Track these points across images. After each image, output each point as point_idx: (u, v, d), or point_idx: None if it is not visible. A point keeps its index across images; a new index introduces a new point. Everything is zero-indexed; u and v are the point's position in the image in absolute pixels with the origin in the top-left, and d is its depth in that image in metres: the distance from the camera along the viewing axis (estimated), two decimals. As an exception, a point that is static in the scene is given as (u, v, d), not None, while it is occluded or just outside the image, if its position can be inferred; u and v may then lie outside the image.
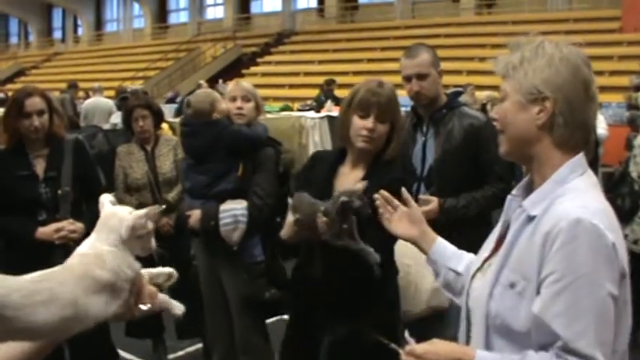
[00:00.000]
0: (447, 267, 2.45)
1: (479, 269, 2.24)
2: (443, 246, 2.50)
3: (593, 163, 8.56)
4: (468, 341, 2.25)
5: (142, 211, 1.86)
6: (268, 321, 4.88)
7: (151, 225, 1.87)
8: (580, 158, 2.09)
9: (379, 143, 3.33)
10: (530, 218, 2.04)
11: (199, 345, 6.10)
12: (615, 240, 1.92)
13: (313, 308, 3.35)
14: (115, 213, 1.88)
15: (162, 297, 1.98)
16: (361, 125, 3.28)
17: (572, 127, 2.06)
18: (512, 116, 2.12)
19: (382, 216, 2.58)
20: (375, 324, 3.03)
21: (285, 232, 3.31)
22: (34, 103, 4.29)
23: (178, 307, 1.99)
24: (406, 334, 2.21)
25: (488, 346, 2.05)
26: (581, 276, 1.88)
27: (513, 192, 2.25)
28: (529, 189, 2.18)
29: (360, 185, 3.09)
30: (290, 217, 3.25)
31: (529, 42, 2.14)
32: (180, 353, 6.24)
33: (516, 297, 1.98)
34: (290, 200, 3.65)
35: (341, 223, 2.98)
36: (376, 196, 2.60)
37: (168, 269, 2.07)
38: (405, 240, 2.56)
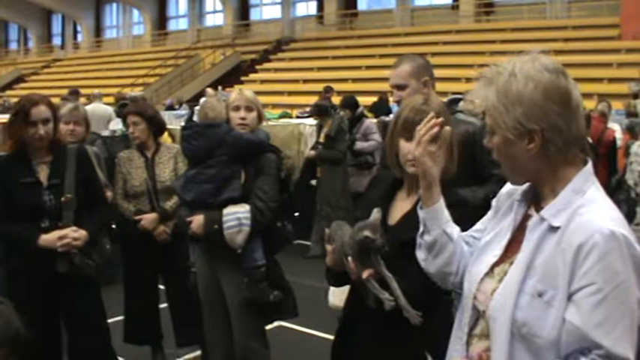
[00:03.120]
0: (442, 228, 2.42)
1: (487, 274, 2.24)
2: (443, 205, 2.46)
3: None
4: (469, 339, 2.28)
5: None
6: (267, 327, 4.89)
7: None
8: (590, 167, 2.15)
9: None
10: (553, 228, 2.07)
11: (198, 352, 6.10)
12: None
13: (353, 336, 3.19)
14: None
15: None
16: (408, 149, 2.99)
17: (566, 146, 2.10)
18: (505, 151, 2.15)
19: (418, 137, 2.45)
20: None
21: (327, 260, 3.12)
22: (40, 111, 4.31)
23: None
24: (428, 356, 2.21)
25: (510, 353, 2.07)
26: (618, 285, 1.95)
27: (517, 197, 2.27)
28: (533, 195, 2.23)
29: (378, 215, 2.90)
30: (328, 246, 3.09)
31: (500, 71, 2.13)
32: (179, 360, 6.24)
33: (544, 305, 2.02)
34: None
35: (362, 262, 2.87)
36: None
37: None
38: (424, 178, 2.44)
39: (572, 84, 2.12)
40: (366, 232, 2.81)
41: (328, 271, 3.17)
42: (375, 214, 2.91)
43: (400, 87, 4.17)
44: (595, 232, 1.97)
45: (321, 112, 10.66)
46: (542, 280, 2.04)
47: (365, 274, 2.85)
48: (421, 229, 2.47)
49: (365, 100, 18.68)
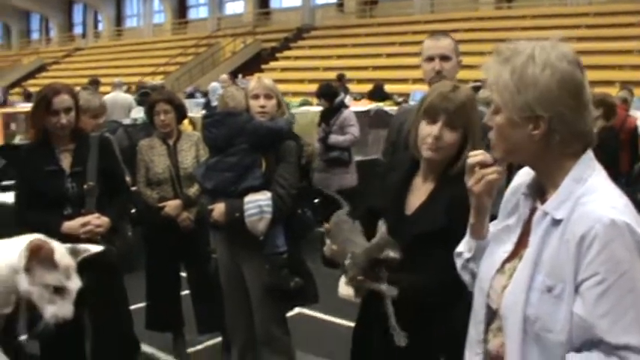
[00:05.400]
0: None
1: (498, 270, 2.22)
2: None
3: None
4: (485, 336, 2.26)
5: None
6: (288, 314, 4.91)
7: None
8: (590, 154, 2.11)
9: (448, 153, 3.01)
10: (556, 221, 2.04)
11: (219, 339, 6.15)
12: None
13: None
14: None
15: None
16: (427, 132, 2.99)
17: (570, 139, 2.06)
18: (506, 132, 2.11)
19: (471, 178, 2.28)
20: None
21: (326, 251, 3.10)
22: (62, 100, 4.35)
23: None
24: None
25: (523, 351, 2.05)
26: (622, 274, 1.91)
27: (523, 190, 2.23)
28: (538, 187, 2.19)
29: (384, 227, 2.83)
30: (327, 240, 3.07)
31: (519, 51, 2.09)
32: (200, 347, 6.27)
33: (554, 300, 1.99)
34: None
35: (366, 274, 2.81)
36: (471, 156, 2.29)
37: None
38: (477, 209, 2.32)
39: (586, 79, 2.08)
40: (391, 253, 2.75)
41: (323, 259, 3.16)
42: (381, 226, 2.86)
43: (446, 58, 4.17)
44: (596, 222, 1.93)
45: None
46: (550, 274, 2.01)
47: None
48: (468, 255, 2.41)
49: (386, 88, 18.70)
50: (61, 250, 1.62)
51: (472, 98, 3.10)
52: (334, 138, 9.65)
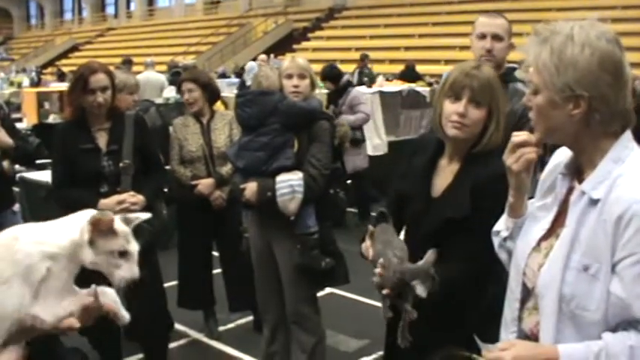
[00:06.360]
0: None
1: (534, 248, 2.22)
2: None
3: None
4: (520, 316, 2.26)
5: None
6: (318, 294, 4.93)
7: None
8: (629, 134, 2.10)
9: (473, 131, 2.97)
10: (593, 201, 2.04)
11: (250, 318, 6.19)
12: None
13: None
14: None
15: (110, 304, 1.94)
16: (451, 110, 2.94)
17: (609, 119, 2.04)
18: (546, 112, 2.09)
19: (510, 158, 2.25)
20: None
21: (364, 250, 3.06)
22: (99, 79, 4.40)
23: (123, 317, 1.95)
24: (476, 338, 2.17)
25: (558, 330, 2.06)
26: None
27: (560, 170, 2.23)
28: (576, 167, 2.19)
29: (432, 257, 2.67)
30: (367, 242, 3.02)
31: (557, 31, 2.07)
32: (231, 325, 6.32)
33: (590, 279, 2.00)
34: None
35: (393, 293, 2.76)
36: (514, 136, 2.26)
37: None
38: (517, 189, 2.30)
39: (625, 57, 2.07)
40: (418, 288, 2.63)
41: (361, 255, 3.12)
42: (429, 254, 2.69)
43: (499, 38, 4.13)
44: (633, 202, 1.94)
45: None
46: (587, 253, 2.02)
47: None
48: (505, 233, 2.40)
49: (418, 69, 18.62)
50: (117, 219, 1.72)
51: (495, 76, 3.09)
52: (345, 118, 9.04)
